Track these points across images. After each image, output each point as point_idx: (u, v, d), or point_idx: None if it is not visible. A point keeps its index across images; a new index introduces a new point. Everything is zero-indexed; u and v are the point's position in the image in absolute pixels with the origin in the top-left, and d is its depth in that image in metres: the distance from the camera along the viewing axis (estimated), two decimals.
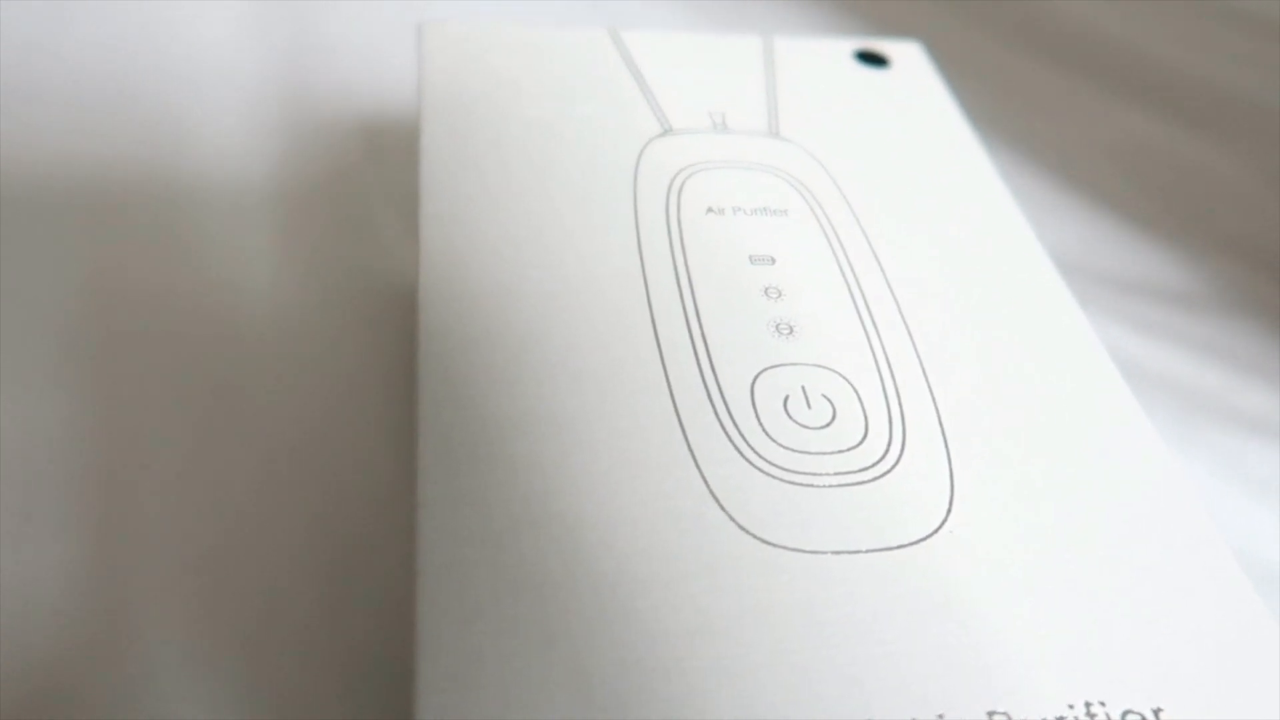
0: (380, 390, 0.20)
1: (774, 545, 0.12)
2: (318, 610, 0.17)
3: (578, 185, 0.17)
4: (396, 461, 0.19)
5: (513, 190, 0.17)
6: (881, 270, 0.16)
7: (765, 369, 0.14)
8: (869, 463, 0.13)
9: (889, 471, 0.13)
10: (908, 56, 0.21)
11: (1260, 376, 0.24)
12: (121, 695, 0.16)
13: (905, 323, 0.15)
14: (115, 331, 0.21)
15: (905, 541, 0.13)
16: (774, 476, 0.13)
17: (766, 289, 0.16)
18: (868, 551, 0.12)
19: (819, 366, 0.15)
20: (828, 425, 0.14)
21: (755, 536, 0.12)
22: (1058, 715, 0.11)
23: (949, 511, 0.13)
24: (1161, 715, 0.11)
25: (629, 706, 0.11)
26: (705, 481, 0.13)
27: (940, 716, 0.11)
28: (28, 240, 0.23)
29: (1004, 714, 0.11)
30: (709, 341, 0.15)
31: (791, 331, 0.15)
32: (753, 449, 0.13)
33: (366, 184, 0.25)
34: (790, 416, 0.14)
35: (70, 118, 0.26)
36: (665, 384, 0.14)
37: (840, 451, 0.13)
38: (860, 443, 0.14)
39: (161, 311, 0.22)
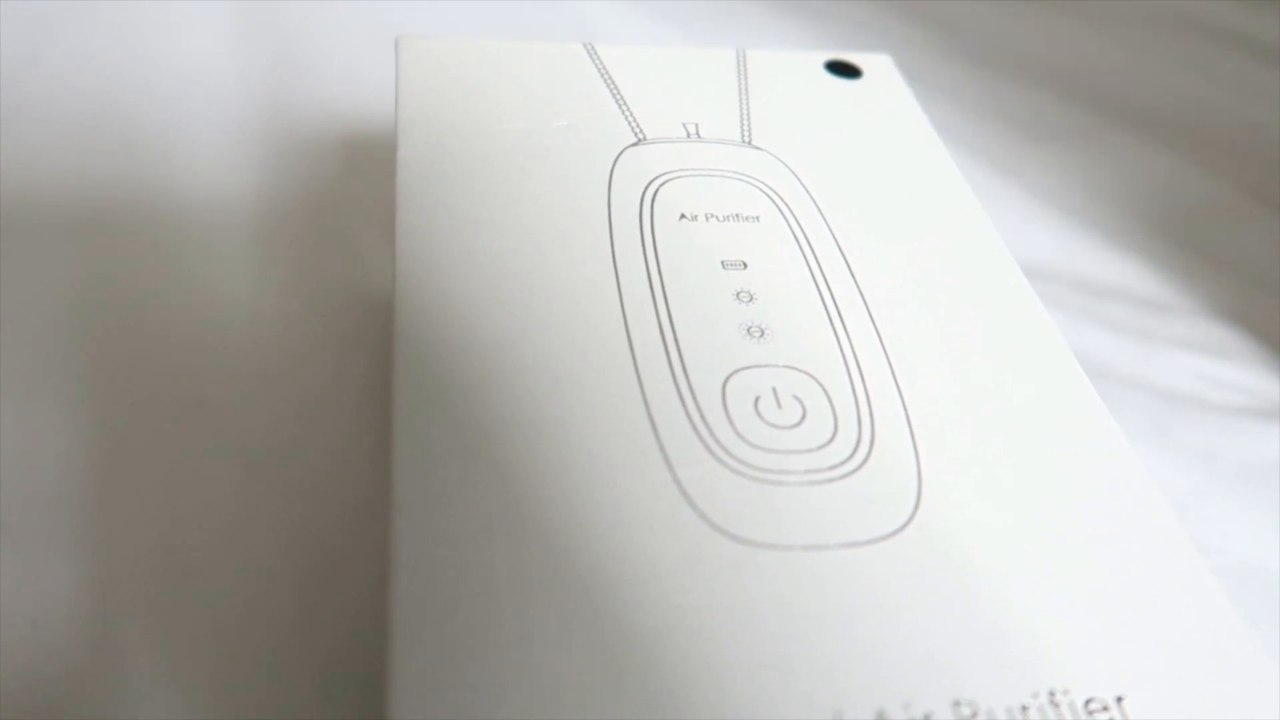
0: (356, 400, 0.21)
1: (745, 542, 0.13)
2: (294, 617, 0.17)
3: (553, 194, 0.17)
4: (372, 470, 0.19)
5: (489, 200, 0.17)
6: (851, 274, 0.17)
7: (736, 371, 0.15)
8: (838, 460, 0.14)
9: (858, 469, 0.14)
10: (878, 68, 0.22)
11: (1231, 375, 0.25)
12: (99, 705, 0.16)
13: (874, 325, 0.16)
14: (94, 344, 0.21)
15: (874, 536, 0.13)
16: (745, 475, 0.13)
17: (738, 293, 0.16)
18: (837, 546, 0.13)
19: (789, 368, 0.15)
20: (798, 425, 0.14)
21: (727, 534, 0.13)
22: (1021, 703, 0.11)
23: (916, 507, 0.13)
24: (1123, 703, 0.11)
25: (601, 703, 0.11)
26: (677, 482, 0.13)
27: (907, 705, 0.11)
28: (3, 252, 0.23)
29: (969, 702, 0.11)
30: (681, 345, 0.15)
31: (763, 334, 0.15)
32: (724, 449, 0.14)
33: (345, 197, 0.26)
34: (761, 417, 0.14)
35: (54, 133, 0.26)
36: (638, 387, 0.14)
37: (810, 450, 0.14)
38: (829, 441, 0.14)
39: (141, 324, 0.22)
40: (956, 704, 0.11)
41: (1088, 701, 0.11)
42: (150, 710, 0.16)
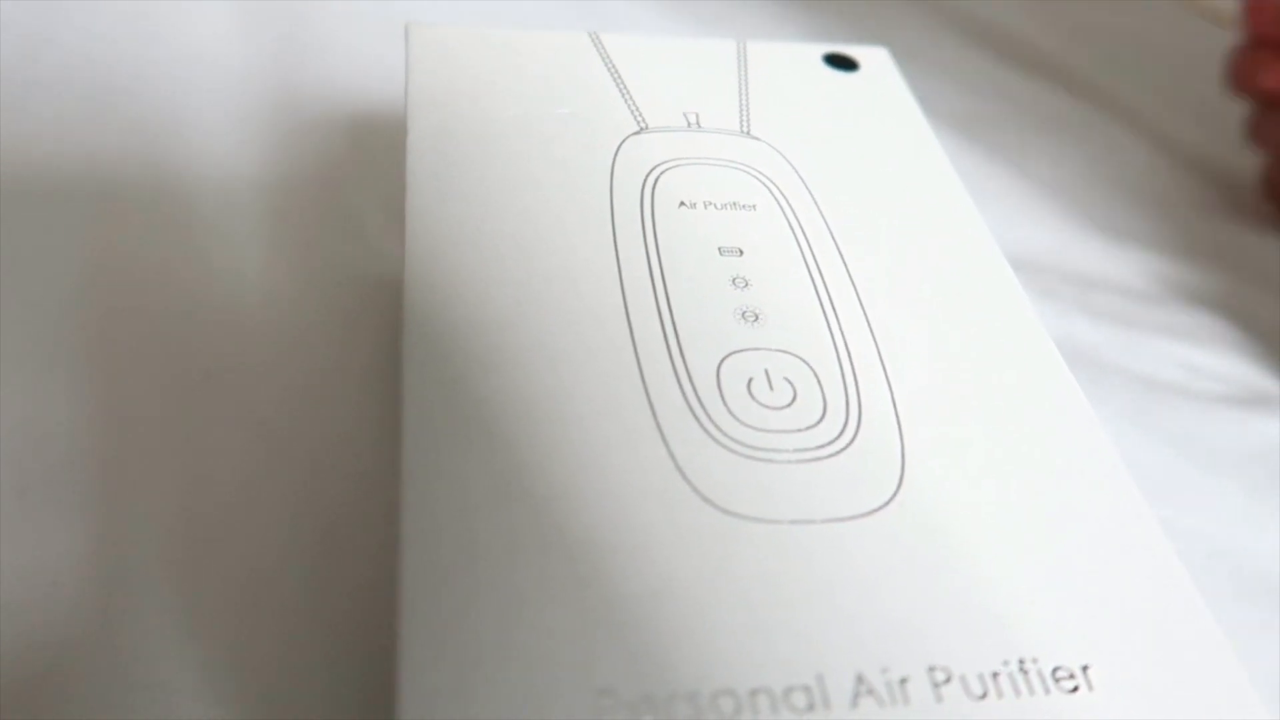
0: (363, 377, 0.21)
1: (735, 515, 0.13)
2: (304, 581, 0.18)
3: (557, 180, 0.18)
4: (377, 444, 0.20)
5: (495, 184, 0.17)
6: (843, 262, 0.17)
7: (731, 353, 0.15)
8: (826, 440, 0.14)
9: (844, 449, 0.14)
10: (875, 61, 0.22)
11: (1211, 363, 0.25)
12: (110, 673, 0.16)
13: (864, 311, 0.16)
14: (106, 317, 0.22)
15: (858, 512, 0.13)
16: (737, 453, 0.14)
17: (734, 279, 0.16)
18: (823, 521, 0.13)
19: (782, 351, 0.15)
20: (788, 405, 0.15)
21: (718, 507, 0.13)
22: (993, 670, 0.12)
23: (899, 486, 0.14)
24: (1089, 671, 0.12)
25: (591, 662, 0.12)
26: (672, 457, 0.14)
27: (885, 669, 0.12)
28: (17, 227, 0.23)
29: (943, 668, 0.12)
30: (678, 328, 0.15)
31: (757, 319, 0.16)
32: (717, 427, 0.14)
33: (353, 178, 0.26)
34: (753, 397, 0.15)
35: (63, 110, 0.27)
36: (636, 367, 0.15)
37: (799, 430, 0.14)
38: (818, 422, 0.15)
39: (151, 299, 0.22)
40: (931, 670, 0.12)
41: (1055, 670, 0.12)
42: (160, 676, 0.16)
